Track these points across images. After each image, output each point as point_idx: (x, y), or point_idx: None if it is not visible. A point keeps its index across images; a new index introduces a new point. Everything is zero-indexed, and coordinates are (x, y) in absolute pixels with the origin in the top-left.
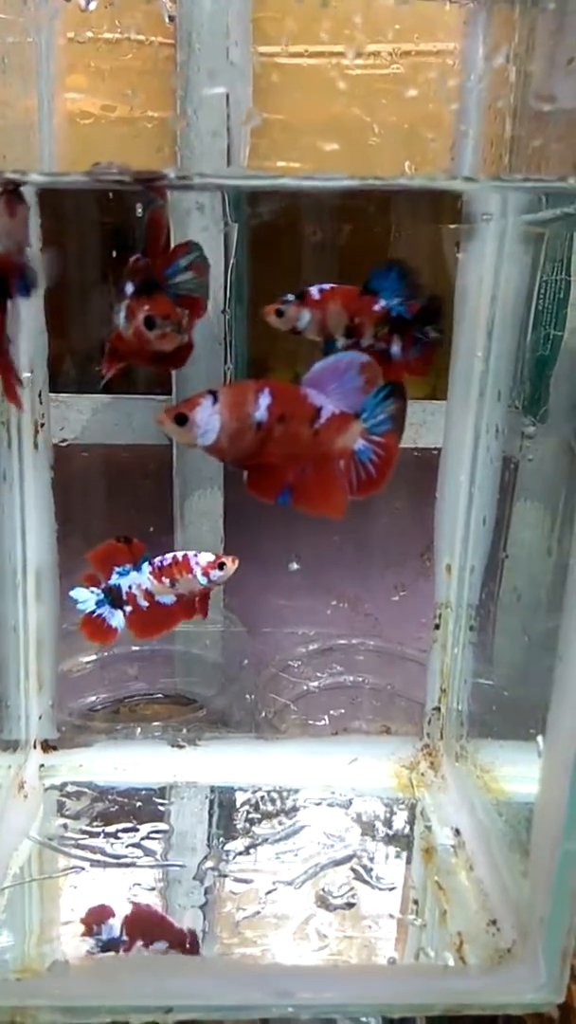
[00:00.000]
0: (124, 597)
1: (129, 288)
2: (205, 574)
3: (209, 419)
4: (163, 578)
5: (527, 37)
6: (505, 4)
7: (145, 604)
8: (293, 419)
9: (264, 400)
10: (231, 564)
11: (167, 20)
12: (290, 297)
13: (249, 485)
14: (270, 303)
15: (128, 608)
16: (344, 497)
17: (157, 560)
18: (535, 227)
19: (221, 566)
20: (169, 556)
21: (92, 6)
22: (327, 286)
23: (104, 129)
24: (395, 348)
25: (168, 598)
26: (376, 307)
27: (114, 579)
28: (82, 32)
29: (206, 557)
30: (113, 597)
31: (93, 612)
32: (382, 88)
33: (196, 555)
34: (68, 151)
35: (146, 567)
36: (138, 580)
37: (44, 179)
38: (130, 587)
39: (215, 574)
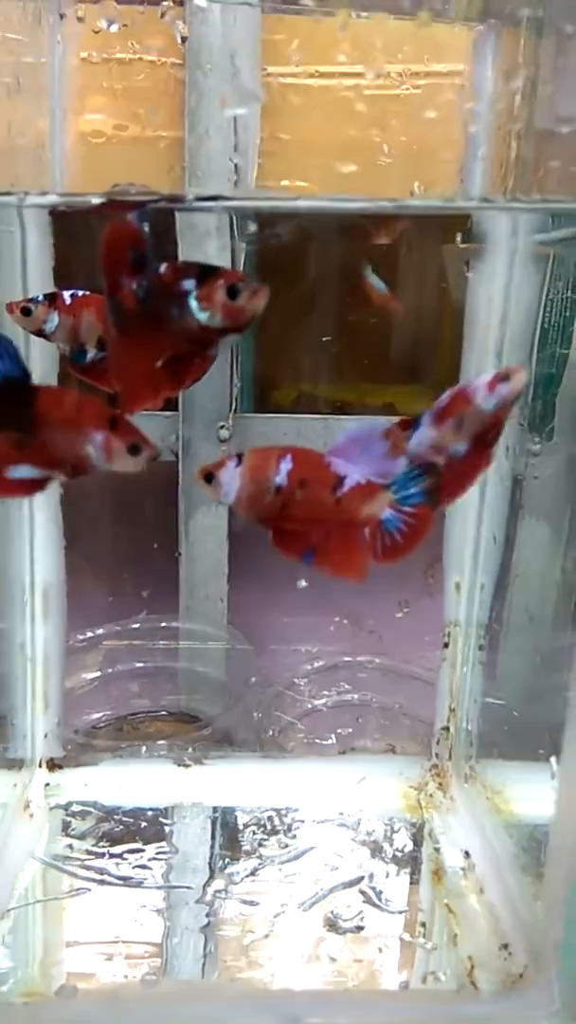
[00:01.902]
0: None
1: (189, 283)
2: (490, 392)
3: (231, 480)
4: (445, 421)
5: (534, 59)
6: (513, 27)
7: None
8: (314, 485)
9: (285, 466)
10: (519, 373)
11: (180, 41)
12: (39, 297)
13: (273, 542)
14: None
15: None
16: (366, 563)
17: (434, 409)
18: (546, 247)
19: (507, 378)
20: (445, 396)
21: (114, 28)
22: (80, 292)
23: (116, 148)
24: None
25: (461, 446)
26: None
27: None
28: (95, 52)
29: (483, 379)
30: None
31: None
32: (392, 109)
33: (471, 382)
34: (81, 170)
35: (426, 419)
36: (425, 436)
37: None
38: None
39: (502, 388)
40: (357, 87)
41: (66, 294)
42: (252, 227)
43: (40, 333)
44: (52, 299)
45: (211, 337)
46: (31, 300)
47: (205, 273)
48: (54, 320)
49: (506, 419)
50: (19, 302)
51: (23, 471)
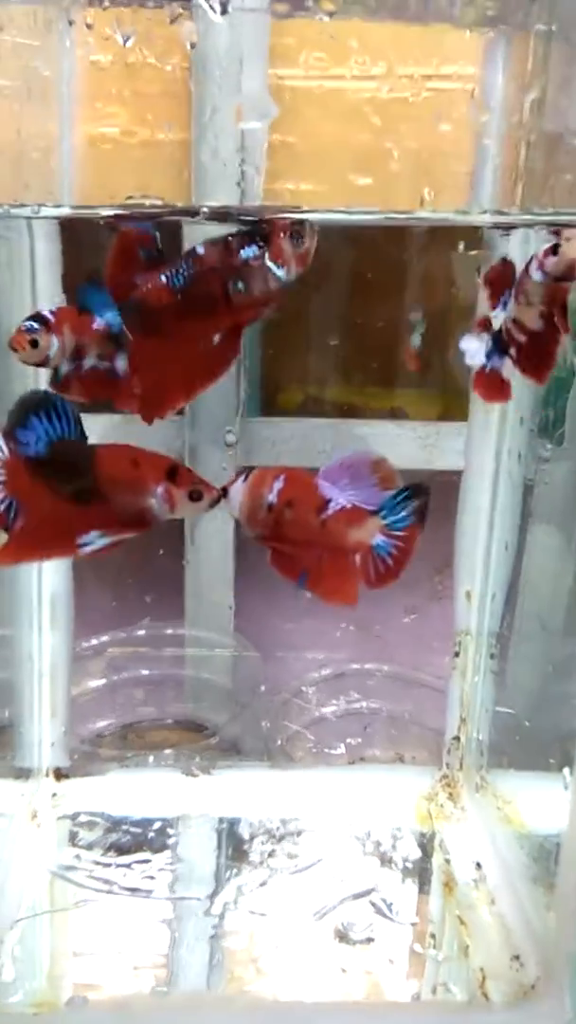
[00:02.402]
0: (505, 338)
1: (251, 249)
2: (540, 267)
3: (236, 495)
4: (520, 297)
5: (545, 68)
6: (523, 34)
7: (523, 339)
8: (301, 506)
9: (277, 484)
10: (569, 244)
11: (188, 47)
12: (35, 326)
13: (271, 561)
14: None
15: (512, 351)
16: (356, 588)
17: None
18: None
19: (555, 249)
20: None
21: (130, 43)
22: (54, 307)
23: (124, 154)
24: (120, 364)
25: (537, 321)
26: (95, 325)
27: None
28: (104, 57)
29: (538, 253)
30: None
31: (485, 367)
32: (401, 114)
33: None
34: (89, 176)
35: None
36: (507, 312)
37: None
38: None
39: (550, 262)
40: (366, 93)
41: (46, 312)
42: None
43: (43, 363)
44: (44, 322)
45: (279, 297)
46: (29, 330)
47: (262, 235)
48: (54, 344)
49: (568, 291)
50: (23, 335)
51: (94, 538)
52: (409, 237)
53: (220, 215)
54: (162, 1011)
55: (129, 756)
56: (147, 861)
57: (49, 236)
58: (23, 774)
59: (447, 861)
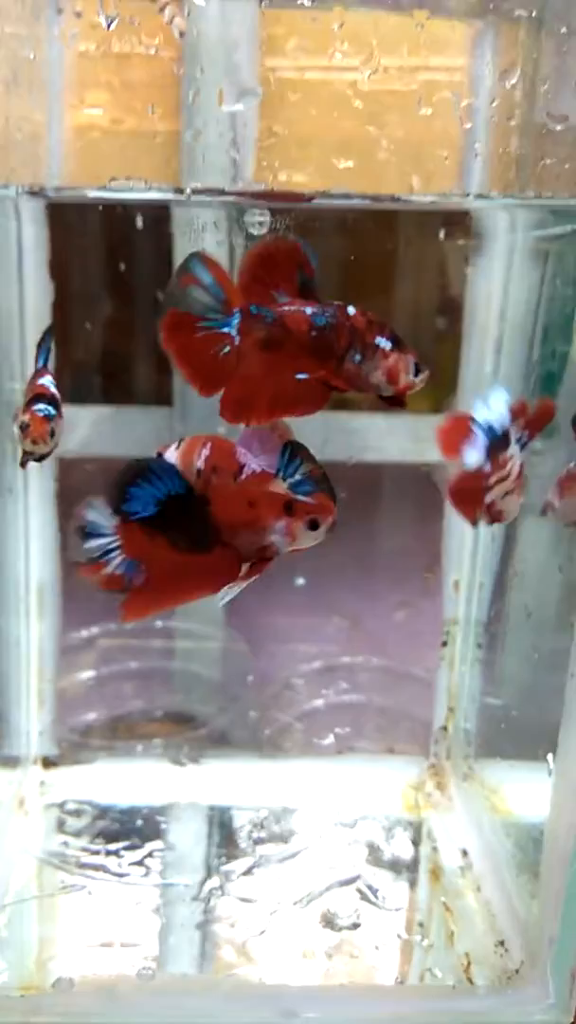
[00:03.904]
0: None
1: (384, 341)
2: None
3: (170, 460)
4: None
5: (533, 57)
6: (511, 23)
7: None
8: (223, 472)
9: (204, 452)
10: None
11: (178, 35)
12: (52, 411)
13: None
14: None
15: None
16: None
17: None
18: (545, 243)
19: None
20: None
21: (113, 27)
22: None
23: (112, 142)
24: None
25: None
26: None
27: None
28: (93, 46)
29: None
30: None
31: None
32: (390, 104)
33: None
34: (77, 165)
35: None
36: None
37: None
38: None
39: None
40: (355, 82)
41: (52, 387)
42: (261, 218)
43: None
44: (56, 403)
45: (367, 389)
46: (48, 417)
47: (397, 343)
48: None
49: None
50: (42, 423)
51: (226, 593)
52: (401, 226)
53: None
54: (148, 994)
55: (118, 745)
56: (135, 848)
57: (36, 220)
58: (11, 762)
59: (434, 849)
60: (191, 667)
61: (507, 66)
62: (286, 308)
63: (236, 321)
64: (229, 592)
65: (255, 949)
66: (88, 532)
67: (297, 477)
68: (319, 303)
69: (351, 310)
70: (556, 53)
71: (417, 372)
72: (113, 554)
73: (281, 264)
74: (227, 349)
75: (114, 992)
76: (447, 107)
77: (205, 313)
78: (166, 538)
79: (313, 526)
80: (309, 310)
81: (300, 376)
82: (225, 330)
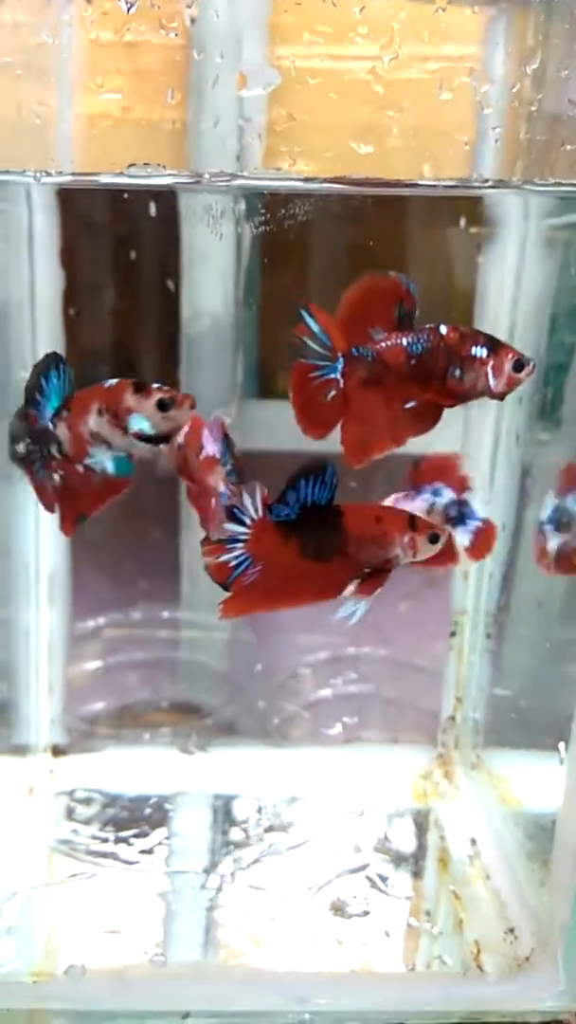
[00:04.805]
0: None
1: (480, 350)
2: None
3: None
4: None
5: (545, 43)
6: (524, 9)
7: None
8: (192, 450)
9: (184, 429)
10: None
11: (188, 22)
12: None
13: (187, 494)
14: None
15: None
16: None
17: None
18: (558, 231)
19: None
20: None
21: (133, 10)
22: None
23: (123, 130)
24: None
25: None
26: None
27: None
28: (104, 34)
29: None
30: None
31: None
32: (402, 91)
33: None
34: (88, 152)
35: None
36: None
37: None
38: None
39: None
40: (369, 68)
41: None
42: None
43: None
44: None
45: (475, 396)
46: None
47: (495, 344)
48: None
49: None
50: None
51: (350, 609)
52: (409, 215)
53: (223, 179)
54: (160, 980)
55: (126, 734)
56: (144, 836)
57: (47, 208)
58: (20, 751)
59: (442, 838)
60: (198, 657)
61: (521, 52)
62: (383, 344)
63: (340, 366)
64: (358, 609)
65: (265, 936)
66: (233, 514)
67: (228, 466)
68: (412, 331)
69: (443, 329)
70: (569, 38)
71: (520, 367)
72: (238, 545)
73: (378, 302)
74: (332, 393)
75: (125, 979)
76: (461, 93)
77: (317, 361)
78: (298, 542)
79: (434, 539)
80: (404, 341)
81: (409, 404)
82: (332, 376)
